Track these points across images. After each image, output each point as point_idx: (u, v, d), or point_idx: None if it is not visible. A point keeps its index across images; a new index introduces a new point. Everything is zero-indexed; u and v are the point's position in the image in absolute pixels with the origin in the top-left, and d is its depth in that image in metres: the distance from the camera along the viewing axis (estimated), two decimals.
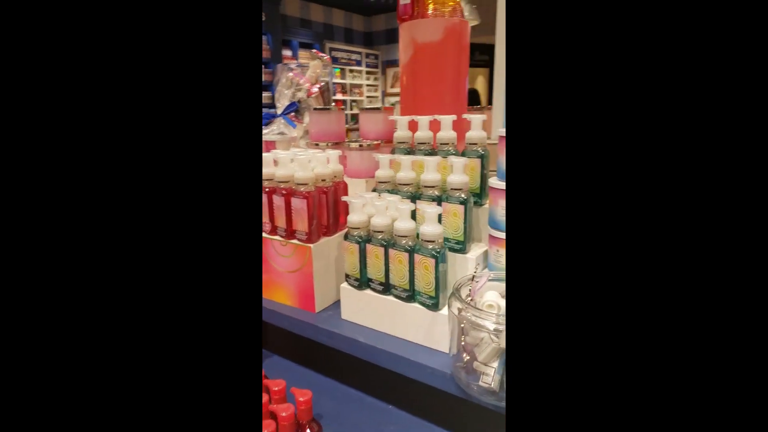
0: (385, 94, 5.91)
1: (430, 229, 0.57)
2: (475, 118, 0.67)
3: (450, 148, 0.69)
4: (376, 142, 0.85)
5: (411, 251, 0.58)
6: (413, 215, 0.60)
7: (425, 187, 0.64)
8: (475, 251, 0.64)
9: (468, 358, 0.52)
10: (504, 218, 0.59)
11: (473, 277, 0.53)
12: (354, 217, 0.63)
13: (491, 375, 0.48)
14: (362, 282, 0.65)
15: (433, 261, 0.56)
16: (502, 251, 0.60)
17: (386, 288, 0.63)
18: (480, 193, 0.67)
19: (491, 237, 0.62)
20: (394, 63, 5.77)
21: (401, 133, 0.73)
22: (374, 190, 0.71)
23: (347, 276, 0.66)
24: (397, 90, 5.71)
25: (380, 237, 0.62)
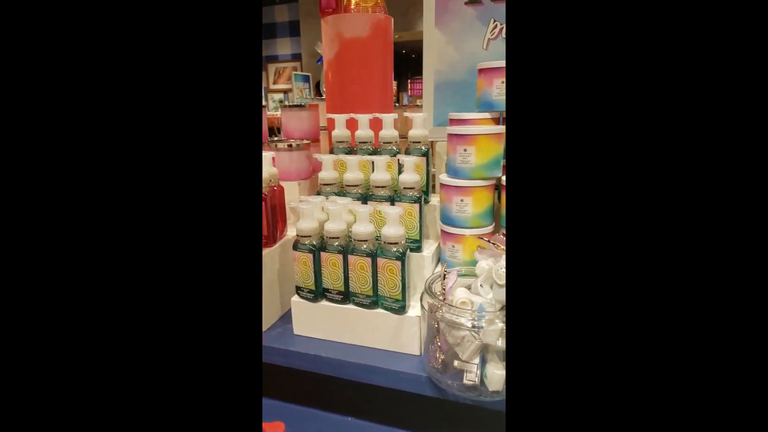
0: (268, 91, 5.66)
1: (392, 230, 0.55)
2: (417, 117, 0.66)
3: (393, 147, 0.67)
4: (305, 142, 0.80)
5: (373, 255, 0.56)
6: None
7: (376, 187, 0.62)
8: (429, 249, 0.64)
9: (443, 357, 0.52)
10: (459, 214, 0.60)
11: (444, 275, 0.53)
12: (304, 224, 0.58)
13: (474, 372, 0.49)
14: (317, 293, 0.60)
15: (398, 264, 0.55)
16: (458, 247, 0.61)
17: (346, 297, 0.59)
18: (426, 191, 0.68)
19: (445, 233, 0.63)
20: (274, 59, 5.55)
21: (340, 132, 0.70)
22: (318, 193, 0.66)
23: (299, 288, 0.61)
24: (280, 87, 5.51)
25: (336, 243, 0.58)
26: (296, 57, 5.22)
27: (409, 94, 4.14)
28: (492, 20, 0.71)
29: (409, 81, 4.19)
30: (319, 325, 0.61)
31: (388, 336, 0.58)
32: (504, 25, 0.71)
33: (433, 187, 0.75)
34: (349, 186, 0.64)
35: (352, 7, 0.79)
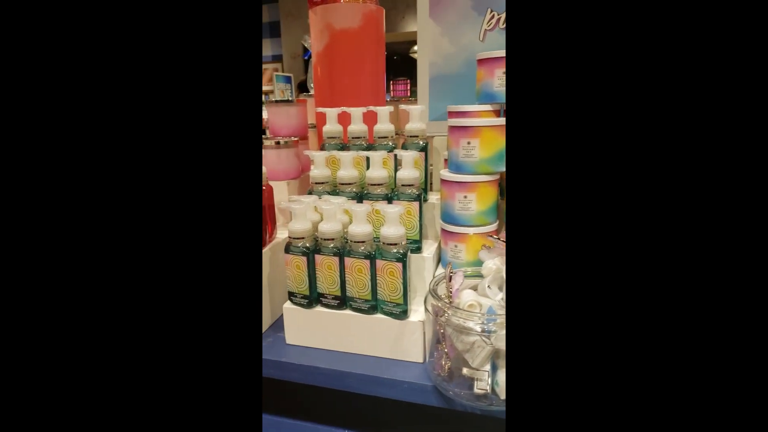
0: None
1: (392, 230, 0.51)
2: (414, 109, 0.63)
3: (389, 142, 0.64)
4: (293, 139, 0.75)
5: (372, 257, 0.52)
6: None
7: (372, 185, 0.58)
8: (429, 249, 0.61)
9: (449, 364, 0.48)
10: (462, 212, 0.57)
11: (449, 276, 0.50)
12: (297, 226, 0.54)
13: (486, 379, 0.46)
14: (312, 299, 0.56)
15: (399, 266, 0.51)
16: (461, 246, 0.58)
17: (342, 302, 0.55)
18: (425, 188, 0.64)
19: (446, 232, 0.60)
20: None
21: (332, 127, 0.66)
22: (310, 193, 0.62)
23: (292, 294, 0.57)
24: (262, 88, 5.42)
25: (331, 245, 0.54)
26: (277, 58, 5.15)
27: (392, 95, 4.12)
28: (489, 10, 0.68)
29: (391, 82, 4.18)
30: (314, 333, 0.57)
31: (389, 343, 0.54)
32: (501, 15, 0.68)
33: (431, 185, 0.72)
34: (343, 184, 0.60)
35: None
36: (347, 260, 0.53)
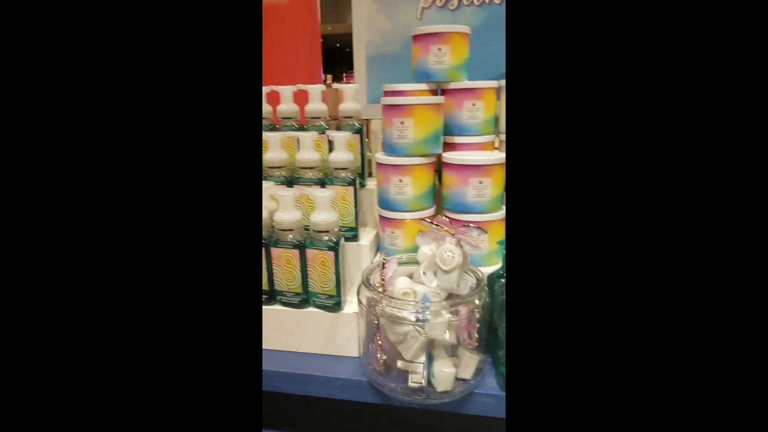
0: None
1: (323, 216, 0.47)
2: (348, 88, 0.59)
3: (322, 123, 0.60)
4: None
5: (301, 247, 0.48)
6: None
7: (303, 168, 0.54)
8: (367, 237, 0.58)
9: (384, 357, 0.46)
10: (398, 196, 0.54)
11: (383, 264, 0.47)
12: None
13: (420, 372, 0.43)
14: None
15: (331, 254, 0.47)
16: (398, 232, 0.55)
17: (271, 296, 0.51)
18: (363, 174, 0.61)
19: (383, 218, 0.56)
20: None
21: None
22: None
23: None
24: None
25: None
26: None
27: None
28: None
29: (344, 75, 4.11)
30: None
31: (322, 338, 0.50)
32: None
33: (370, 171, 0.69)
34: (271, 168, 0.56)
35: None
36: (274, 251, 0.49)
